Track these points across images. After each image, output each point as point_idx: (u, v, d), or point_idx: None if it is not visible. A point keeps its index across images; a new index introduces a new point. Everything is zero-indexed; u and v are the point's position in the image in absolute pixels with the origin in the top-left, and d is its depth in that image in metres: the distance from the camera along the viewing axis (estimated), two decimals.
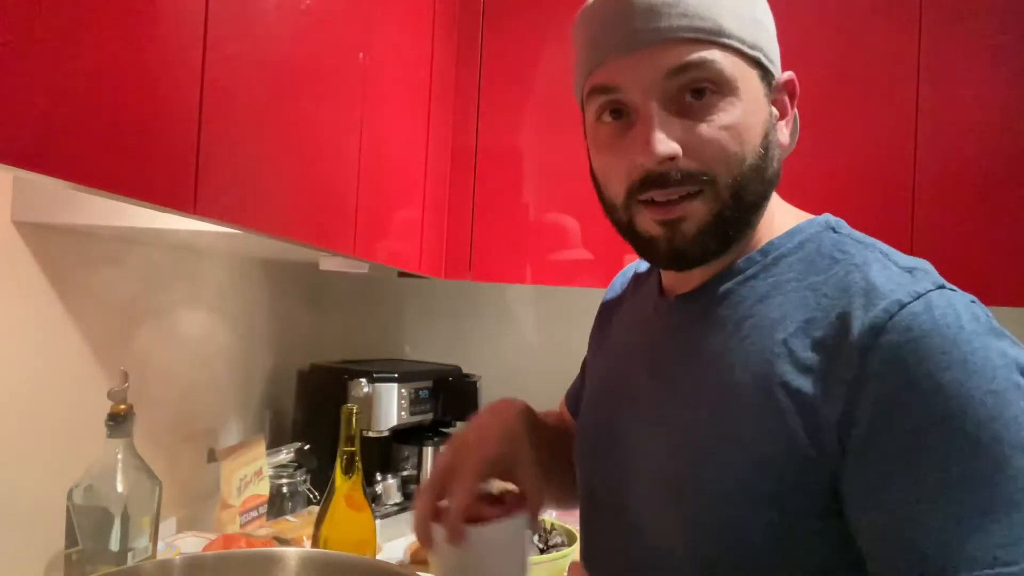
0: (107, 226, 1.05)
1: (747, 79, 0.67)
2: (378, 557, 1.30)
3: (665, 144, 0.64)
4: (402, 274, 2.09)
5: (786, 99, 0.73)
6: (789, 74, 0.73)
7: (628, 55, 0.66)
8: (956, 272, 2.50)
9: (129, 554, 0.96)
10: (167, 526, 1.38)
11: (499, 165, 2.04)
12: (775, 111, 0.71)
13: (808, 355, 0.62)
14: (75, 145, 0.51)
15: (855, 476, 0.59)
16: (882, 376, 0.57)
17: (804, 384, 0.61)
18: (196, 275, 1.55)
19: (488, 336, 2.35)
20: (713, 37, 0.65)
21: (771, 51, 0.70)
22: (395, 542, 1.60)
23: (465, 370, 2.15)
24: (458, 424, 2.09)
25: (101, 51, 0.53)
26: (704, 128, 0.65)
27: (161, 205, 0.62)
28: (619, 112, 0.69)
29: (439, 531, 0.69)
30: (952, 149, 2.07)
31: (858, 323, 0.60)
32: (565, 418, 0.97)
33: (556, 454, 0.87)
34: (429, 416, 1.97)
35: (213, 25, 0.68)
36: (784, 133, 0.72)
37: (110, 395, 0.99)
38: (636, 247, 0.72)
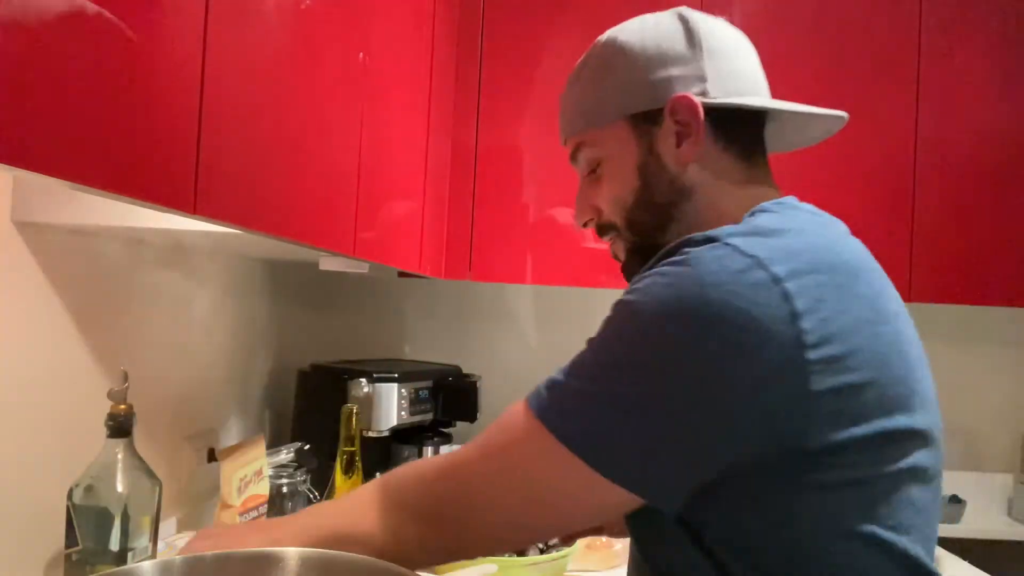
0: (107, 226, 1.05)
1: (611, 142, 0.80)
2: None
3: (579, 215, 0.86)
4: (402, 274, 2.09)
5: (680, 119, 0.77)
6: (672, 98, 0.77)
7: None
8: (956, 272, 2.50)
9: (129, 554, 0.95)
10: (167, 526, 1.38)
11: (499, 164, 2.04)
12: (664, 139, 0.78)
13: None
14: (75, 145, 0.51)
15: None
16: None
17: None
18: (196, 275, 1.55)
19: (488, 336, 2.36)
20: (577, 136, 0.83)
21: (638, 94, 0.78)
22: None
23: (465, 370, 2.15)
24: (458, 424, 2.10)
25: (101, 50, 0.53)
26: (598, 195, 0.83)
27: (161, 205, 0.62)
28: None
29: None
30: (952, 149, 2.07)
31: None
32: None
33: None
34: (429, 416, 1.96)
35: (213, 25, 0.68)
36: (685, 149, 0.77)
37: (110, 395, 0.99)
38: None
